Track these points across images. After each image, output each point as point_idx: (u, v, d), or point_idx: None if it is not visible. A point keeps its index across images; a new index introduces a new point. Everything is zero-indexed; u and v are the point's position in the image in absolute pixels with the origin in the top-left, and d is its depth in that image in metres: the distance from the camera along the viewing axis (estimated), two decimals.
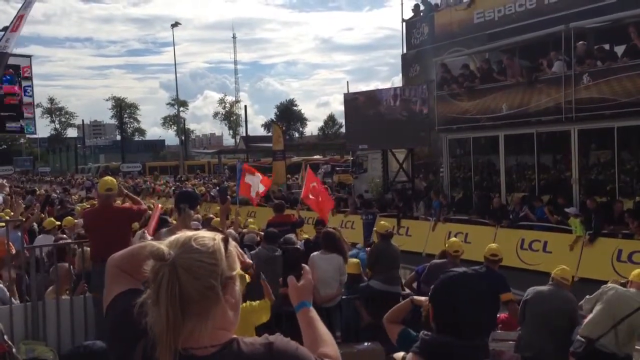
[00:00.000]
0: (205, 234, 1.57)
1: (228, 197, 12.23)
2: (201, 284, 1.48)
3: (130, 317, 1.54)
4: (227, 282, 1.53)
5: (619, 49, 13.57)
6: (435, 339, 2.24)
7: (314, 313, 1.89)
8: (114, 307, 1.69)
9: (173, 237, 1.55)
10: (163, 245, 1.51)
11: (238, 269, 1.60)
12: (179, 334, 1.46)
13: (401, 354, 2.36)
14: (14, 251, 6.83)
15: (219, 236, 1.58)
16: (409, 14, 23.16)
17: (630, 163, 13.97)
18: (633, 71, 12.49)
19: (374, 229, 9.92)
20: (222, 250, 1.55)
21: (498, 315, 6.85)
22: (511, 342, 6.25)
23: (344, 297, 7.29)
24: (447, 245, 7.47)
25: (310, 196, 11.24)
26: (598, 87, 13.03)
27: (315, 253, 7.17)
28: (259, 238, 8.65)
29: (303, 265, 2.02)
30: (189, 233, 1.57)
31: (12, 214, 10.17)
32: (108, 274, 1.77)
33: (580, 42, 13.76)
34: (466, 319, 2.21)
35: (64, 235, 9.14)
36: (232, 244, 1.60)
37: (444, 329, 2.25)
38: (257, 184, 11.69)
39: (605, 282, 5.81)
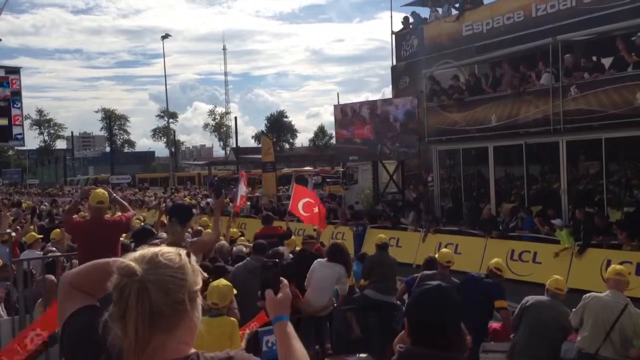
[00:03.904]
0: (169, 249, 1.60)
1: (223, 191, 12.29)
2: (172, 299, 1.50)
3: (89, 333, 1.57)
4: (192, 296, 1.56)
5: (606, 61, 13.70)
6: (410, 351, 2.25)
7: (290, 328, 1.88)
8: (72, 324, 1.69)
9: (138, 253, 1.57)
10: (130, 261, 1.52)
11: (200, 284, 1.62)
12: (145, 349, 1.48)
13: None
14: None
15: (183, 251, 1.61)
16: (398, 26, 23.33)
17: (618, 174, 14.08)
18: (620, 83, 12.61)
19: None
20: (188, 265, 1.58)
21: (490, 325, 6.85)
22: (502, 352, 6.25)
23: (335, 305, 7.27)
24: (438, 255, 7.46)
25: (303, 212, 10.93)
26: (586, 99, 13.15)
27: (319, 259, 7.23)
28: (245, 249, 8.67)
29: (281, 278, 2.01)
30: (154, 248, 1.59)
31: None
32: (62, 292, 1.78)
33: (568, 55, 13.91)
34: (439, 331, 2.20)
35: (54, 249, 9.04)
36: (194, 259, 1.62)
37: (419, 342, 2.24)
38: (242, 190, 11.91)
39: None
